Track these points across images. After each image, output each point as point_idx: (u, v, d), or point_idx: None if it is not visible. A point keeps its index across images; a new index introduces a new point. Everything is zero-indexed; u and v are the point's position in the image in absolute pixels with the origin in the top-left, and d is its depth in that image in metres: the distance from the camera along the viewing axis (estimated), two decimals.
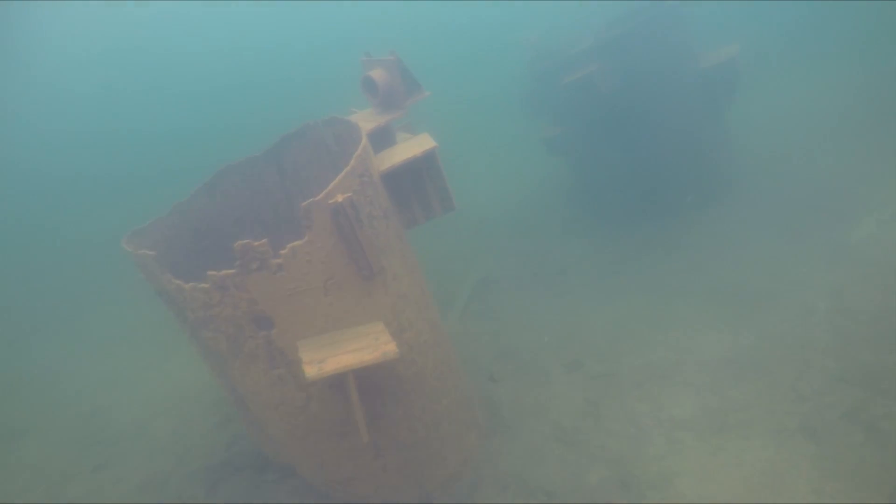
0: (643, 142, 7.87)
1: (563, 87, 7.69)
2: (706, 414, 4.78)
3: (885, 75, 10.23)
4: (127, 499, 5.18)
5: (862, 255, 6.05)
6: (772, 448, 4.32)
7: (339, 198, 3.23)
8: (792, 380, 4.88)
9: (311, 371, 3.06)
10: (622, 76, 7.63)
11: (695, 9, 8.93)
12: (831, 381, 4.74)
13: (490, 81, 13.60)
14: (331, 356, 3.17)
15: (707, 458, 4.37)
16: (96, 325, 9.81)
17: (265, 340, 3.40)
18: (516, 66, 9.30)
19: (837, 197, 7.22)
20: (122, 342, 8.79)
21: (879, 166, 7.51)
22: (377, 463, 3.96)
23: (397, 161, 3.79)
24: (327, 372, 3.06)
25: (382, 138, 4.47)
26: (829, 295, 5.69)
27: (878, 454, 4.01)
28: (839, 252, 6.23)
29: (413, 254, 4.35)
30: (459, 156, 14.26)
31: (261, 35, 25.98)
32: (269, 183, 4.92)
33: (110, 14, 24.48)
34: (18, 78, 22.75)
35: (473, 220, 10.55)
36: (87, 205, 16.07)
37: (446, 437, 4.25)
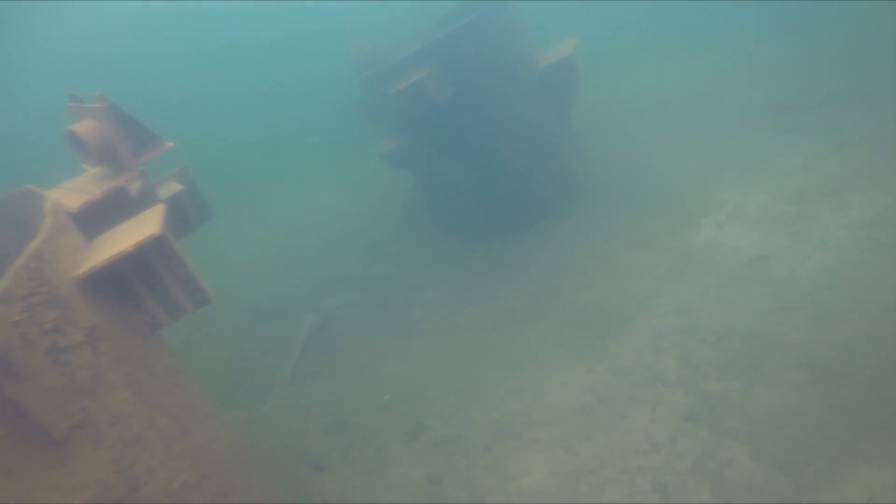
0: (485, 151, 7.27)
1: (392, 97, 6.85)
2: (557, 481, 4.24)
3: (730, 65, 10.48)
4: None
5: (704, 264, 5.84)
6: None
7: None
8: (645, 423, 4.48)
9: None
10: (455, 81, 6.93)
11: None
12: (681, 421, 4.38)
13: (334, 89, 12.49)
14: None
15: None
16: None
17: None
18: (348, 72, 8.32)
19: (682, 197, 7.08)
20: None
21: (719, 160, 7.49)
22: None
23: (100, 261, 2.72)
24: None
25: (114, 210, 3.36)
26: (676, 313, 5.40)
27: None
28: (683, 261, 6.00)
29: (166, 363, 3.32)
30: (303, 167, 13.13)
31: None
32: None
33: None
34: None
35: (318, 243, 9.56)
36: None
37: None
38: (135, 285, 2.99)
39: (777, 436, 3.96)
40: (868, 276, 4.81)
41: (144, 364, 3.02)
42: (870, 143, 6.46)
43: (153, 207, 3.18)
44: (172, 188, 4.35)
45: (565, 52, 7.44)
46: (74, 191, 3.37)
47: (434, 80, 6.80)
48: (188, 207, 4.52)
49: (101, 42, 21.48)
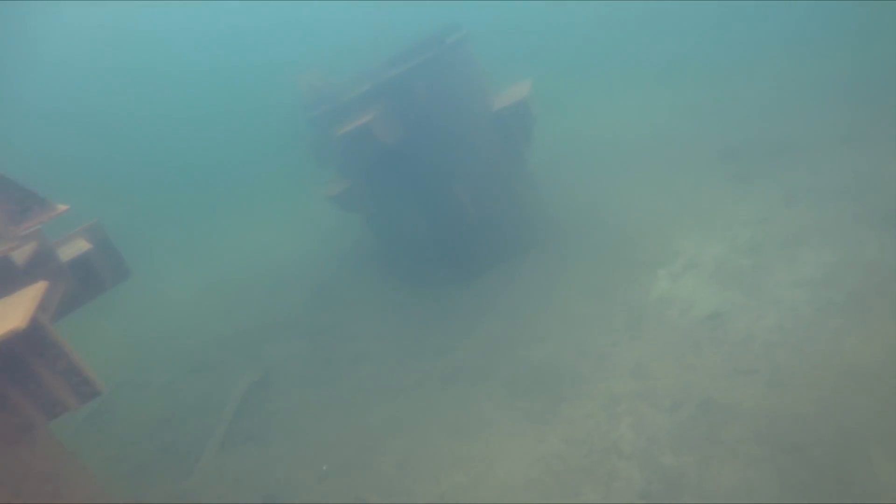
0: (437, 195, 7.01)
1: (339, 139, 6.54)
2: None
3: (682, 106, 10.58)
4: None
5: (659, 320, 5.65)
6: None
7: None
8: (599, 503, 4.18)
9: None
10: (406, 124, 6.68)
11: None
12: (637, 499, 4.10)
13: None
14: None
15: None
16: None
17: None
18: (295, 109, 8.00)
19: (637, 244, 6.94)
20: None
21: (674, 206, 7.41)
22: None
23: None
24: None
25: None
26: (632, 374, 5.16)
27: None
28: (639, 315, 5.81)
29: (41, 469, 2.83)
30: (254, 203, 12.67)
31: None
32: None
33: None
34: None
35: (265, 284, 9.09)
36: None
37: None
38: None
39: None
40: (822, 339, 4.68)
41: (7, 478, 2.55)
42: (817, 196, 6.46)
43: (31, 287, 2.74)
44: (78, 248, 3.90)
45: (520, 95, 7.30)
46: None
47: (383, 122, 6.53)
48: (100, 267, 4.06)
49: (89, 57, 20.78)
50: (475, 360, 5.99)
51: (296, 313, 7.97)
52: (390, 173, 6.98)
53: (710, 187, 7.52)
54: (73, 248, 3.90)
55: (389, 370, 6.22)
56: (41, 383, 2.61)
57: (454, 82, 6.91)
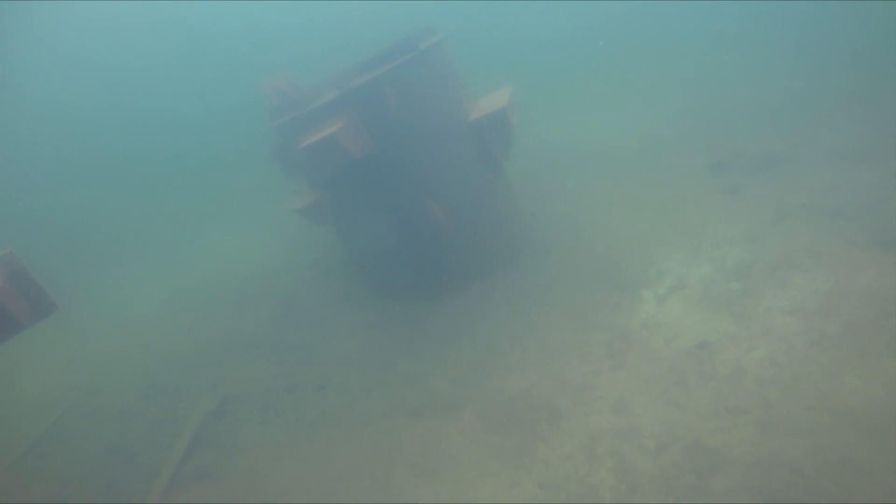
0: (410, 210, 6.58)
1: (303, 151, 6.08)
2: None
3: (671, 115, 10.25)
4: None
5: (643, 348, 5.30)
6: None
7: None
8: None
9: None
10: (376, 134, 6.24)
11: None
12: None
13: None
14: None
15: None
16: None
17: None
18: (261, 114, 7.52)
19: (622, 262, 6.59)
20: None
21: (660, 221, 7.07)
22: None
23: None
24: None
25: None
26: (613, 410, 4.79)
27: None
28: (622, 343, 5.44)
29: None
30: (221, 209, 12.14)
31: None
32: None
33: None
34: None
35: (231, 297, 8.60)
36: None
37: None
38: None
39: None
40: (817, 377, 4.35)
41: None
42: (809, 214, 6.16)
43: None
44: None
45: (498, 104, 6.88)
46: None
47: (351, 132, 6.09)
48: (13, 305, 3.58)
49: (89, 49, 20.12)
50: (447, 388, 5.59)
51: (260, 331, 7.51)
52: (359, 186, 6.54)
53: (699, 201, 7.20)
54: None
55: (356, 399, 5.80)
56: None
57: (428, 90, 6.49)
